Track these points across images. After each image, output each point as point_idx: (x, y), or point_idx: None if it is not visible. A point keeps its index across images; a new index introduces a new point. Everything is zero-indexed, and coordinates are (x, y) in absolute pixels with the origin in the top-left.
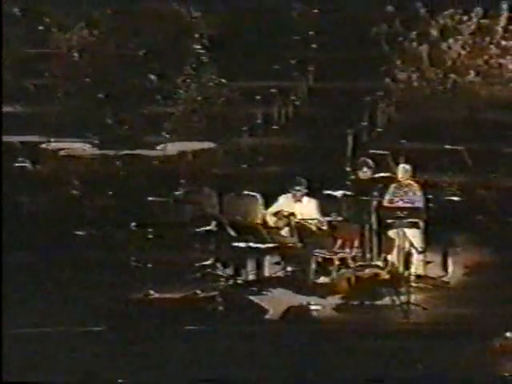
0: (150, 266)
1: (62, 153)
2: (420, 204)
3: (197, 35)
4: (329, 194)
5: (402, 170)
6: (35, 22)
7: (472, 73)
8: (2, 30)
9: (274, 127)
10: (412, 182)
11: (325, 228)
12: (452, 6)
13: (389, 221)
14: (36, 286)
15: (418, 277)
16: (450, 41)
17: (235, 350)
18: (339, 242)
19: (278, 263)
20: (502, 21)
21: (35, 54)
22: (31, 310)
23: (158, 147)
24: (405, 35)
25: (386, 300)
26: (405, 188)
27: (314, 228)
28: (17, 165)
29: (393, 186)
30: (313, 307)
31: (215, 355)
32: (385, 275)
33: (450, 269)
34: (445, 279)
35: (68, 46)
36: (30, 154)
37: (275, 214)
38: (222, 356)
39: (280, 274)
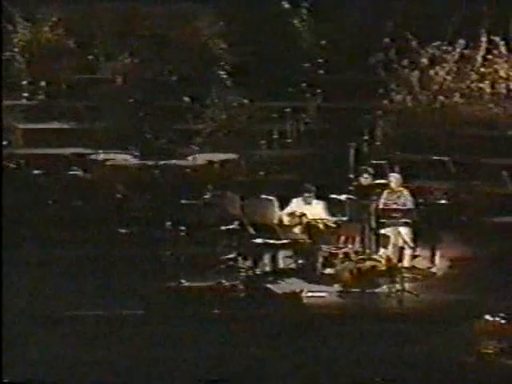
0: (182, 259)
1: (108, 163)
2: (410, 206)
3: (222, 63)
4: (334, 198)
5: (393, 178)
6: (86, 53)
7: (456, 95)
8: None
9: (288, 141)
10: (402, 189)
11: (331, 226)
12: (439, 38)
13: (385, 221)
14: (85, 275)
15: (410, 268)
16: (437, 68)
17: (254, 328)
18: (343, 238)
19: (290, 257)
20: (481, 51)
21: (86, 80)
22: (82, 296)
23: (189, 158)
24: (399, 63)
25: (383, 288)
26: (397, 193)
27: (321, 226)
28: (70, 173)
29: (386, 191)
30: (320, 294)
31: (237, 333)
32: (382, 267)
33: (437, 261)
34: (432, 270)
35: (113, 73)
36: (82, 163)
37: (288, 215)
38: (243, 334)
39: (292, 265)
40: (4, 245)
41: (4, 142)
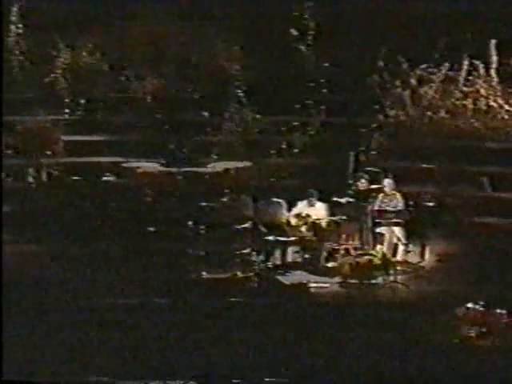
0: (202, 253)
1: (138, 170)
2: (402, 208)
3: (237, 83)
4: (335, 201)
5: (387, 183)
6: (119, 74)
7: (442, 111)
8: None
9: (295, 151)
10: (395, 193)
11: (332, 226)
12: (426, 61)
13: (380, 221)
14: (118, 268)
15: (402, 262)
16: (426, 87)
17: (265, 314)
18: (343, 236)
19: (297, 252)
20: (463, 73)
21: (119, 98)
22: (115, 286)
23: (209, 166)
24: (392, 83)
25: (379, 280)
26: (391, 197)
27: (324, 226)
28: (105, 179)
29: (381, 195)
30: (323, 284)
31: (250, 319)
32: (377, 261)
33: (426, 257)
34: (422, 264)
35: (143, 92)
36: (115, 170)
37: (295, 216)
38: (256, 319)
39: (299, 259)
40: (51, 241)
41: (48, 152)
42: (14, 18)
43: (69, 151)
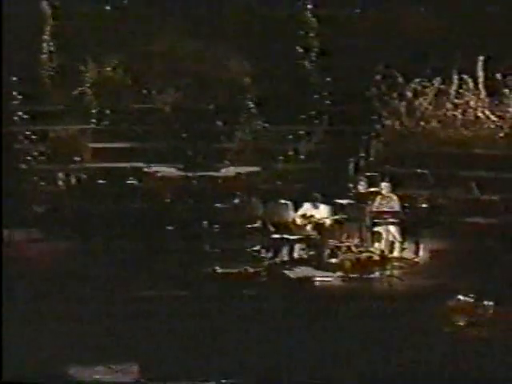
0: (216, 250)
1: (158, 174)
2: (398, 209)
3: (249, 95)
4: (337, 202)
5: (385, 186)
6: (141, 88)
7: (435, 121)
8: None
9: (301, 157)
10: (392, 195)
11: (335, 225)
12: (420, 75)
13: (378, 221)
14: (140, 263)
15: (398, 259)
16: (420, 99)
17: (273, 306)
18: (345, 234)
19: (303, 249)
20: (454, 87)
21: (141, 109)
22: (136, 280)
23: (222, 170)
24: (389, 95)
25: (376, 274)
26: (387, 199)
27: (327, 225)
28: (128, 182)
29: (379, 197)
30: (326, 278)
31: (260, 310)
32: (376, 257)
33: (420, 253)
34: (416, 260)
35: (162, 103)
36: (137, 175)
37: (301, 216)
38: (265, 310)
39: (304, 256)
40: (79, 238)
41: (77, 158)
42: (46, 37)
43: (95, 157)
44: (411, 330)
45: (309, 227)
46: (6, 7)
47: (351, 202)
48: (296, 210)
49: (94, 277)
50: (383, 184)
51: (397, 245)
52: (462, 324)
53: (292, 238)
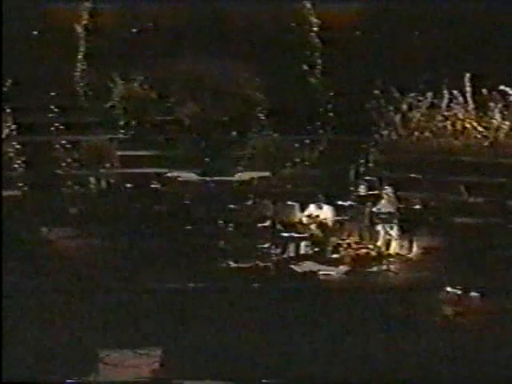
0: (230, 247)
1: (178, 179)
2: (394, 210)
3: (260, 108)
4: (340, 204)
5: (387, 190)
6: (165, 101)
7: (427, 131)
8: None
9: (307, 163)
10: (392, 197)
11: (337, 224)
12: (414, 90)
13: (376, 220)
14: (161, 259)
15: (394, 254)
16: (414, 112)
17: (281, 298)
18: (346, 233)
19: (308, 246)
20: (444, 100)
21: (164, 120)
22: (157, 274)
23: (236, 175)
24: (385, 108)
25: (374, 268)
26: (385, 200)
27: (330, 224)
28: (152, 186)
29: (378, 199)
30: (329, 272)
31: (269, 301)
32: (373, 253)
33: (414, 249)
34: (409, 256)
35: (181, 116)
36: (160, 179)
37: (307, 216)
38: (273, 301)
39: (309, 252)
40: (108, 237)
41: (107, 164)
42: (79, 57)
43: (123, 164)
44: (404, 319)
45: (313, 226)
46: (42, 28)
47: (352, 203)
48: (302, 210)
49: (121, 270)
50: (386, 188)
51: (393, 242)
52: (450, 313)
53: (298, 235)
